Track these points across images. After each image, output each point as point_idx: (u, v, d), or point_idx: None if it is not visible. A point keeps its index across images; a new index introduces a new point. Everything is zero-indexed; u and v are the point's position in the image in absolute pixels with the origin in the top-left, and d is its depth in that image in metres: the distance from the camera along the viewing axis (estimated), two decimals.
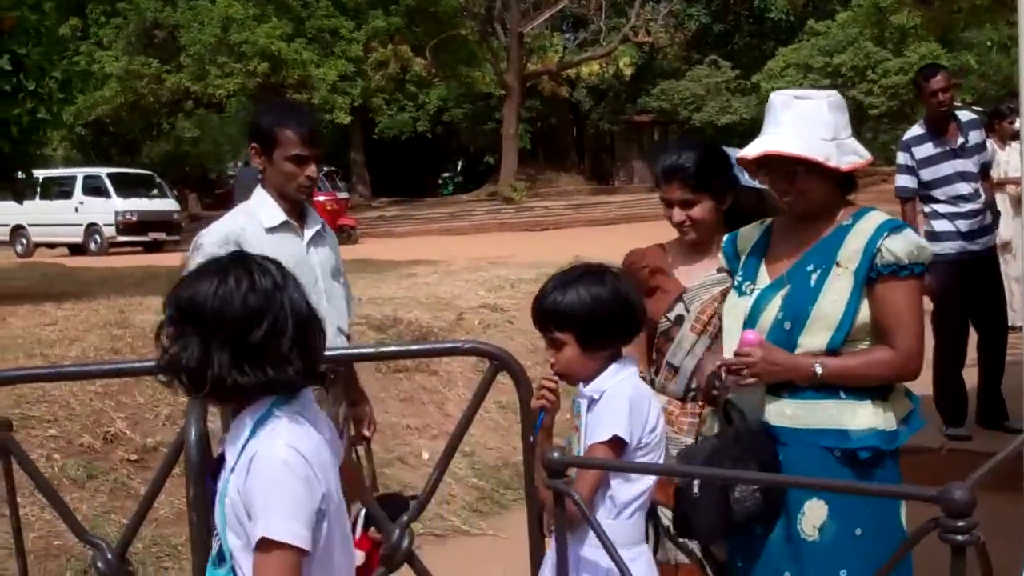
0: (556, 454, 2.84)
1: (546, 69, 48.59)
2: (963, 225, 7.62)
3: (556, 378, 3.28)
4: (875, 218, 3.33)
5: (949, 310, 7.71)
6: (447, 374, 9.44)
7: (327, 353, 4.30)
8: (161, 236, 33.41)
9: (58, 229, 33.35)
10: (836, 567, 3.25)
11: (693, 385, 3.86)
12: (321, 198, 28.84)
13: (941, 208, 7.66)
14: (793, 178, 3.32)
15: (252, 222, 4.51)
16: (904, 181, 7.75)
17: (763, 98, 3.79)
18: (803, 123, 3.30)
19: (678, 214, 3.99)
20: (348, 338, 4.82)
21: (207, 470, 2.98)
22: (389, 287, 13.65)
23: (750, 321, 3.39)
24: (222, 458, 2.59)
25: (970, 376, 7.91)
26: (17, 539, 3.71)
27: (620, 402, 3.20)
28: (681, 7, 51.92)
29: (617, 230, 32.88)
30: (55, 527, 5.57)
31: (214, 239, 4.42)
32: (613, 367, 3.29)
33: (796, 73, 47.43)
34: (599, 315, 3.23)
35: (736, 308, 3.48)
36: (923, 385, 7.82)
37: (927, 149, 7.67)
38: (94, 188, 33.64)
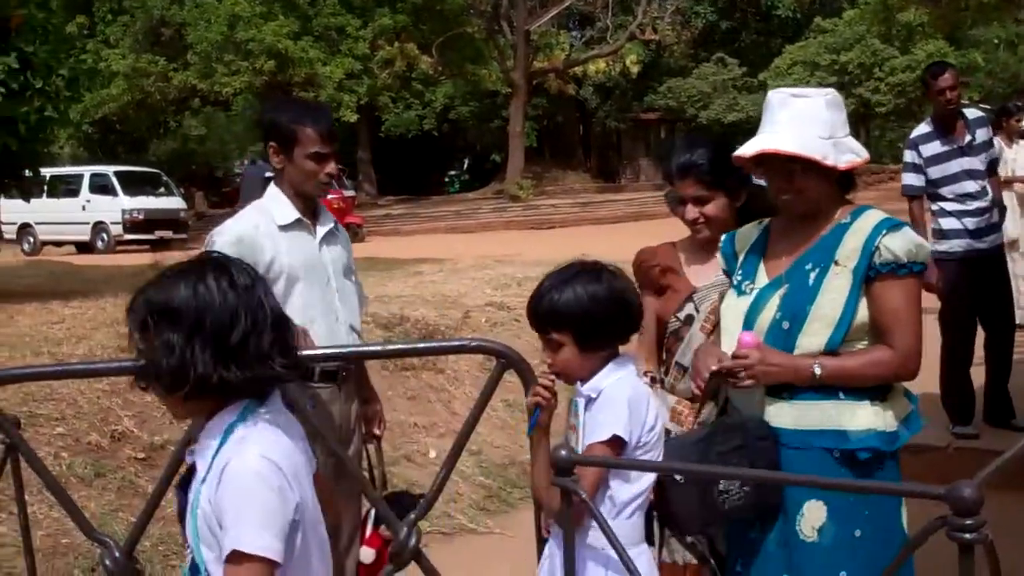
0: (564, 452, 2.83)
1: (552, 67, 48.57)
2: (970, 223, 7.61)
3: (552, 376, 3.26)
4: (873, 216, 3.31)
5: (956, 308, 7.69)
6: (454, 372, 9.44)
7: (335, 350, 4.35)
8: (168, 234, 33.42)
9: (65, 227, 33.39)
10: (835, 569, 3.23)
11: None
12: (328, 196, 28.84)
13: (948, 206, 7.64)
14: (791, 177, 3.30)
15: (265, 220, 4.51)
16: (911, 179, 7.74)
17: None
18: (800, 121, 3.28)
19: (692, 211, 3.98)
20: (359, 335, 4.83)
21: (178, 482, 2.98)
22: (395, 285, 13.67)
23: (748, 321, 3.37)
24: (193, 468, 2.55)
25: (977, 374, 7.90)
26: (25, 537, 3.71)
27: (619, 402, 3.17)
28: (688, 4, 51.90)
29: (624, 228, 32.89)
30: (63, 525, 5.58)
31: (227, 238, 4.42)
32: (610, 366, 3.27)
33: (803, 71, 47.43)
34: (596, 314, 3.20)
35: (734, 308, 3.45)
36: (930, 384, 7.84)
37: (935, 147, 7.65)
38: (101, 186, 33.68)
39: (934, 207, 7.74)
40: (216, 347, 2.39)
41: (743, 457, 3.20)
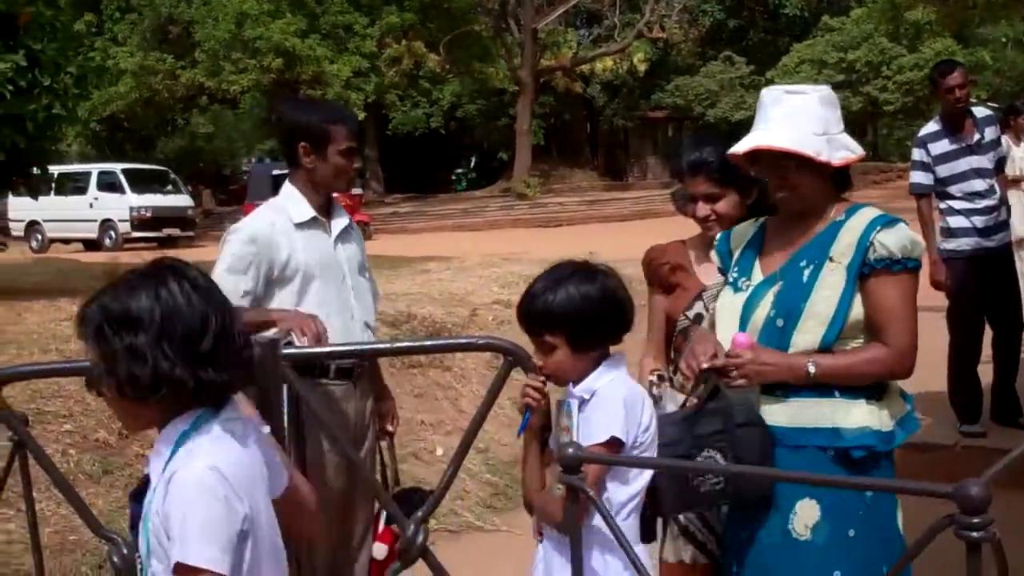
0: (571, 450, 2.83)
1: (560, 65, 48.54)
2: (979, 221, 7.60)
3: (543, 378, 3.23)
4: (868, 213, 3.30)
5: (964, 306, 7.69)
6: (461, 370, 9.45)
7: (341, 348, 4.35)
8: (175, 232, 33.53)
9: (73, 225, 33.46)
10: (829, 568, 3.20)
11: None
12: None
13: (957, 204, 7.64)
14: (785, 173, 3.29)
15: (281, 218, 4.52)
16: (919, 177, 7.74)
17: None
18: (794, 118, 3.27)
19: (703, 208, 3.97)
20: (373, 333, 4.84)
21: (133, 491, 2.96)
22: (403, 283, 13.68)
23: (743, 318, 3.35)
24: (148, 479, 2.51)
25: (985, 373, 7.89)
26: (33, 534, 3.72)
27: (615, 403, 3.14)
28: (695, 3, 51.87)
29: (631, 226, 32.89)
30: (71, 522, 5.59)
31: (242, 236, 4.44)
32: (603, 367, 3.23)
33: (810, 69, 47.42)
34: (590, 315, 3.16)
35: (729, 305, 3.44)
36: (938, 382, 7.84)
37: (943, 145, 7.65)
38: (109, 184, 33.77)
39: (942, 205, 7.73)
40: (187, 352, 2.36)
41: (723, 442, 3.18)
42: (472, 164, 58.52)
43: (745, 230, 3.60)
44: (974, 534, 2.10)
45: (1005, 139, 8.74)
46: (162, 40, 42.53)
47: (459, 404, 8.97)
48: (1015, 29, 43.60)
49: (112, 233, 33.17)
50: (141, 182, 34.25)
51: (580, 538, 2.96)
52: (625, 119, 54.48)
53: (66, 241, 34.09)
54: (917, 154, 7.78)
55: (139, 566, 2.51)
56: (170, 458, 2.38)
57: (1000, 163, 7.96)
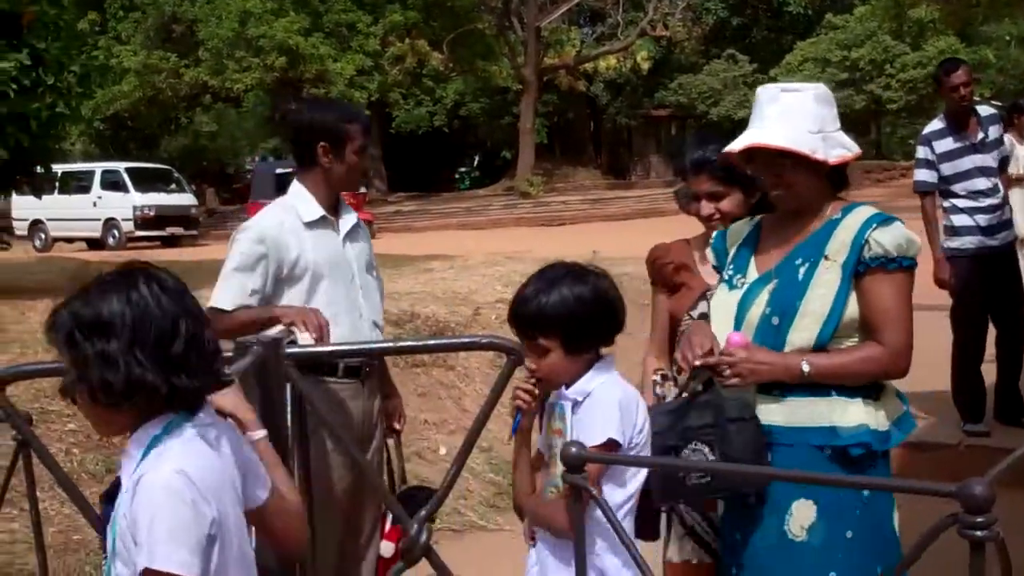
0: (575, 448, 2.82)
1: (563, 63, 48.54)
2: (982, 220, 7.60)
3: (534, 380, 3.21)
4: (864, 212, 3.28)
5: (968, 305, 7.69)
6: (464, 369, 9.44)
7: (345, 347, 4.36)
8: (179, 231, 33.55)
9: (76, 224, 33.47)
10: (825, 569, 3.18)
11: None
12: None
13: (961, 203, 7.64)
14: (780, 172, 3.27)
15: (290, 217, 4.53)
16: (924, 175, 7.73)
17: None
18: (789, 116, 3.25)
19: (707, 207, 3.95)
20: (381, 331, 4.86)
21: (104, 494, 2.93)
22: (406, 282, 13.67)
23: (738, 315, 3.34)
24: (119, 481, 2.50)
25: (988, 372, 7.89)
26: (37, 533, 3.72)
27: (610, 404, 3.13)
28: (699, 1, 51.82)
29: (634, 225, 32.88)
30: (74, 521, 5.60)
31: (251, 235, 4.45)
32: (595, 369, 3.21)
33: (814, 67, 47.42)
34: (584, 317, 3.14)
35: (725, 303, 3.42)
36: (941, 381, 7.84)
37: (947, 143, 7.65)
38: (112, 183, 33.79)
39: (946, 204, 7.73)
40: (159, 356, 2.34)
41: (712, 436, 3.16)
42: (475, 163, 58.58)
43: (741, 228, 3.59)
44: (977, 533, 2.10)
45: (1008, 137, 8.73)
46: (166, 39, 42.57)
47: (462, 403, 8.97)
48: (1019, 27, 43.58)
49: (116, 232, 33.18)
50: (145, 181, 34.26)
51: (584, 537, 2.96)
52: (628, 117, 54.46)
53: (69, 240, 34.10)
54: (921, 152, 7.78)
55: (104, 567, 2.48)
56: (140, 462, 2.36)
57: (1003, 162, 7.96)
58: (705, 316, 3.86)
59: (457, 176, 56.71)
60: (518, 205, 43.17)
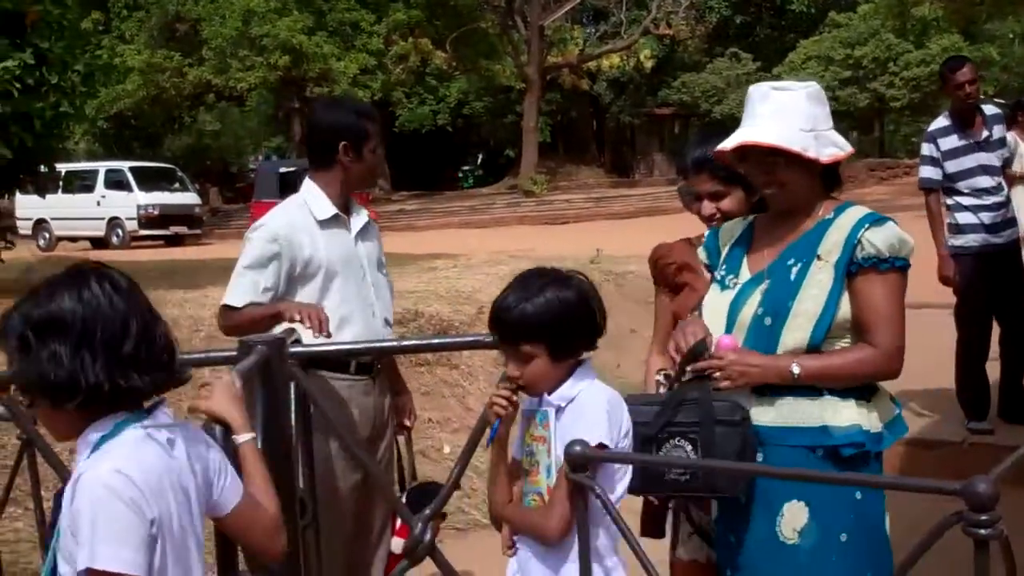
0: (579, 447, 2.82)
1: (566, 62, 48.57)
2: (986, 218, 7.60)
3: (513, 388, 3.14)
4: (856, 211, 3.26)
5: (972, 303, 7.68)
6: (468, 367, 9.45)
7: (348, 346, 4.36)
8: (182, 230, 33.53)
9: (80, 223, 33.47)
10: (817, 572, 3.16)
11: None
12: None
13: (965, 200, 7.63)
14: (773, 170, 3.25)
15: (302, 215, 4.55)
16: (928, 172, 7.73)
17: None
18: (781, 114, 3.23)
19: (708, 207, 3.91)
20: (392, 329, 4.88)
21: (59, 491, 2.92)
22: (409, 281, 13.66)
23: (730, 316, 3.31)
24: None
25: (992, 369, 7.88)
26: (41, 532, 3.74)
27: (598, 409, 3.08)
28: None
29: (637, 223, 32.88)
30: None
31: (264, 234, 4.46)
32: (576, 374, 3.16)
33: (817, 65, 47.42)
34: (570, 322, 3.10)
35: (716, 303, 3.40)
36: (945, 379, 7.84)
37: (952, 141, 7.65)
38: (116, 182, 33.79)
39: (950, 201, 7.72)
40: (109, 355, 2.32)
41: (695, 435, 3.13)
42: (479, 161, 58.53)
43: (734, 227, 3.56)
44: (982, 531, 2.10)
45: (1012, 135, 8.72)
46: (169, 38, 42.59)
47: (466, 402, 8.97)
48: (1022, 24, 43.48)
49: (119, 231, 33.20)
50: (148, 180, 34.25)
51: (587, 536, 2.95)
52: (632, 116, 54.48)
53: (73, 239, 34.09)
54: (926, 149, 7.77)
55: (43, 566, 2.47)
56: (84, 462, 2.35)
57: (1007, 162, 7.96)
58: None
59: (460, 175, 56.68)
60: (521, 204, 43.19)
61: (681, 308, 3.89)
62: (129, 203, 32.93)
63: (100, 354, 2.32)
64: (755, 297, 3.28)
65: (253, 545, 2.69)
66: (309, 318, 4.06)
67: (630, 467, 3.16)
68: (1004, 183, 7.79)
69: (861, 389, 3.21)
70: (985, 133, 7.63)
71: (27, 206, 30.70)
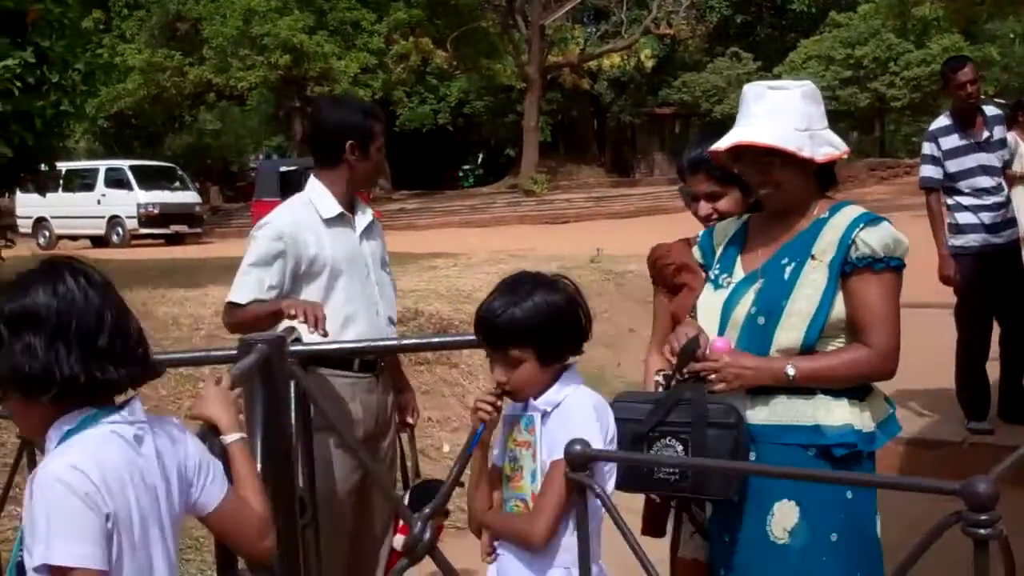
0: (579, 446, 2.81)
1: (567, 61, 48.57)
2: (987, 217, 7.60)
3: (499, 393, 3.13)
4: (851, 211, 3.24)
5: (972, 303, 7.69)
6: (468, 366, 9.45)
7: (349, 344, 4.36)
8: (183, 228, 33.59)
9: (80, 221, 33.53)
10: (807, 573, 3.15)
11: None
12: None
13: (965, 200, 7.64)
14: (768, 170, 3.24)
15: (308, 213, 4.56)
16: (929, 171, 7.73)
17: None
18: (776, 114, 3.22)
19: (704, 207, 3.88)
20: (395, 327, 4.90)
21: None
22: (410, 279, 13.67)
23: (724, 315, 3.31)
24: None
25: (992, 369, 7.89)
26: None
27: (586, 413, 3.06)
28: None
29: (638, 223, 32.88)
30: None
31: (269, 232, 4.47)
32: (563, 378, 3.14)
33: (818, 65, 47.43)
34: (559, 326, 3.07)
35: (709, 303, 3.39)
36: (945, 379, 7.84)
37: (953, 140, 7.65)
38: (116, 180, 33.83)
39: (950, 201, 7.72)
40: (83, 348, 2.32)
41: (687, 435, 3.11)
42: (479, 160, 58.51)
43: (727, 226, 3.56)
44: (981, 531, 2.10)
45: (1012, 135, 8.73)
46: (170, 37, 42.60)
47: (466, 401, 8.97)
48: (1023, 25, 43.47)
49: (120, 230, 33.24)
50: (149, 179, 34.31)
51: (587, 536, 2.95)
52: (632, 115, 54.47)
53: (73, 238, 34.12)
54: (927, 148, 7.77)
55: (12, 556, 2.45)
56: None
57: (1007, 163, 7.97)
58: None
59: (461, 174, 56.66)
60: (522, 203, 43.20)
61: (680, 308, 3.86)
62: (129, 202, 32.99)
63: (75, 347, 2.32)
64: (749, 296, 3.27)
65: (239, 545, 2.69)
66: (305, 315, 4.07)
67: (615, 468, 3.15)
68: (1004, 183, 7.79)
69: (855, 388, 3.21)
70: (986, 134, 7.64)
71: (27, 204, 30.71)
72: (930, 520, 2.17)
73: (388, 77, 41.93)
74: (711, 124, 47.41)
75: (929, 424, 7.90)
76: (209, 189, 49.23)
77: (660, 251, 4.13)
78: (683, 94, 51.71)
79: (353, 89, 38.70)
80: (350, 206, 4.68)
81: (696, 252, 3.65)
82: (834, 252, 3.17)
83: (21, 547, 2.33)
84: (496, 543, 3.23)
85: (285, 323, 4.09)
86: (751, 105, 3.29)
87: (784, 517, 3.16)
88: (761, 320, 3.21)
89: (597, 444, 2.98)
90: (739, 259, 3.41)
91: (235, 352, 3.40)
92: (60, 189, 28.24)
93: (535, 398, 3.12)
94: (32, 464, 3.64)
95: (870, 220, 3.18)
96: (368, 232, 4.74)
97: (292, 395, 3.48)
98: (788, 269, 3.22)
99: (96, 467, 2.26)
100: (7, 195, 18.22)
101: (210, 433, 2.72)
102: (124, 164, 35.23)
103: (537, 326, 3.03)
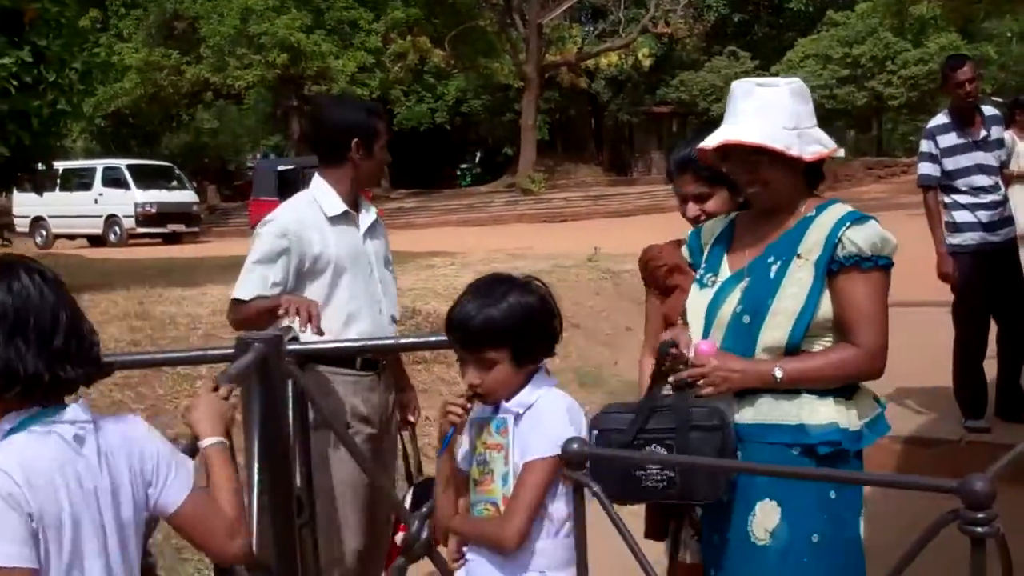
0: (576, 445, 2.81)
1: (565, 60, 48.56)
2: (984, 216, 7.60)
3: (470, 395, 3.10)
4: (838, 210, 3.22)
5: (970, 301, 7.68)
6: None
7: (348, 344, 4.36)
8: (180, 227, 33.57)
9: (78, 220, 33.48)
10: (787, 574, 3.12)
11: None
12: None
13: (962, 199, 7.64)
14: (756, 169, 3.21)
15: (312, 211, 4.58)
16: (927, 169, 7.72)
17: None
18: (764, 112, 3.19)
19: (692, 208, 3.86)
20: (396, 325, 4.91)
21: None
22: (407, 278, 13.66)
23: (709, 314, 3.28)
24: None
25: (990, 368, 7.89)
26: None
27: (560, 415, 3.05)
28: None
29: (636, 221, 32.87)
30: None
31: (273, 229, 4.48)
32: (535, 380, 3.12)
33: (815, 64, 47.46)
34: (533, 327, 3.06)
35: (696, 302, 3.36)
36: (943, 377, 7.84)
37: (951, 138, 7.65)
38: (114, 179, 33.80)
39: (947, 200, 7.72)
40: (41, 346, 2.33)
41: (671, 441, 3.09)
42: (477, 159, 58.55)
43: (715, 225, 3.54)
44: (978, 529, 2.10)
45: (1010, 134, 8.73)
46: (167, 36, 42.59)
47: None
48: (1020, 23, 43.51)
49: (117, 229, 33.21)
50: (146, 178, 34.28)
51: (584, 534, 2.94)
52: (630, 114, 54.49)
53: (71, 237, 34.10)
54: (925, 146, 7.77)
55: None
56: None
57: (1004, 162, 7.98)
58: None
59: (458, 173, 56.70)
60: (519, 202, 43.20)
61: (672, 310, 3.80)
62: (127, 201, 32.97)
63: (33, 344, 2.32)
64: (735, 295, 3.25)
65: (206, 546, 2.66)
66: (298, 312, 4.07)
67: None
68: (1001, 182, 7.79)
69: (841, 387, 3.18)
70: (983, 133, 7.64)
71: (24, 204, 30.71)
72: (927, 518, 2.17)
73: (385, 76, 41.95)
74: (709, 123, 47.43)
75: (926, 422, 7.91)
76: (206, 188, 49.20)
77: (651, 253, 4.10)
78: (681, 93, 51.71)
79: (350, 88, 38.73)
80: (354, 204, 4.70)
81: (685, 252, 3.63)
82: (820, 251, 3.14)
83: None
84: (465, 548, 3.19)
85: (285, 321, 4.09)
86: (739, 102, 3.27)
87: (766, 518, 3.14)
88: (746, 319, 3.19)
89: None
90: (725, 258, 3.39)
91: (232, 351, 3.40)
92: (57, 188, 28.14)
93: (507, 400, 3.09)
94: None
95: (856, 219, 3.16)
96: (372, 230, 4.76)
97: (289, 394, 3.48)
98: (774, 268, 3.20)
99: (20, 468, 2.26)
100: (4, 194, 18.23)
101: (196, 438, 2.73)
102: (121, 163, 35.19)
103: (513, 327, 3.01)
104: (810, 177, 3.31)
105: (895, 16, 42.02)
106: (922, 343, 8.35)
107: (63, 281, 2.45)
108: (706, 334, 3.27)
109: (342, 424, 4.29)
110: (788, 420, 3.14)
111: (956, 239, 7.64)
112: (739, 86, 3.32)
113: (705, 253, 3.49)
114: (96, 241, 33.20)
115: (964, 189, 7.62)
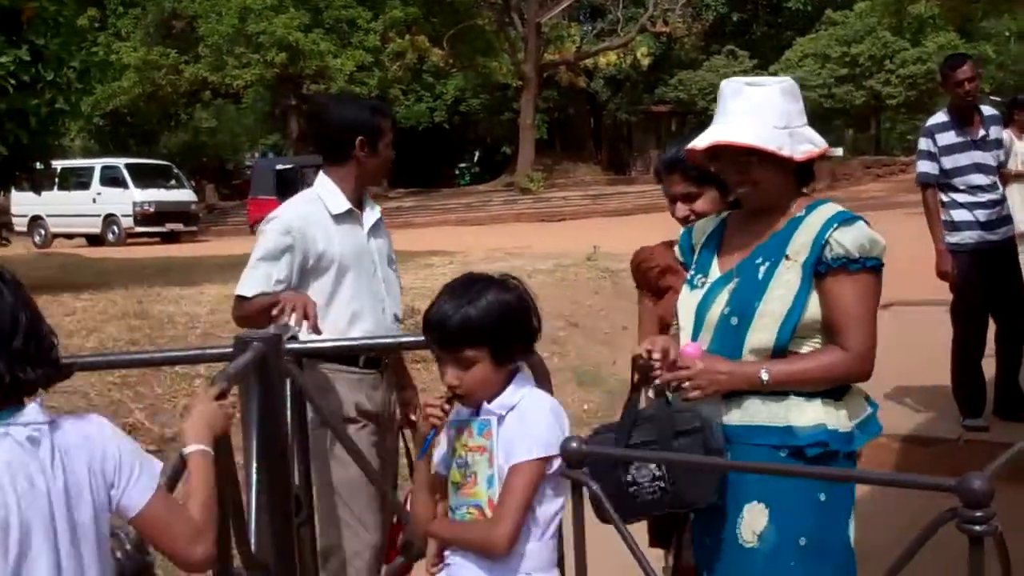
0: (575, 443, 2.81)
1: (563, 59, 48.55)
2: (982, 215, 7.60)
3: (450, 396, 3.06)
4: (827, 210, 3.19)
5: (968, 300, 7.68)
6: None
7: (348, 342, 4.37)
8: (179, 227, 33.60)
9: (76, 220, 33.50)
10: None
11: None
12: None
13: (960, 197, 7.64)
14: (746, 169, 3.19)
15: (316, 209, 4.58)
16: (925, 167, 7.73)
17: None
18: (754, 111, 3.17)
19: (681, 209, 3.86)
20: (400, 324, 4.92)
21: None
22: (406, 278, 13.59)
23: (698, 315, 3.26)
24: None
25: (988, 367, 7.89)
26: None
27: (543, 415, 3.02)
28: None
29: (634, 220, 32.84)
30: None
31: (277, 226, 4.49)
32: (516, 381, 3.09)
33: (814, 63, 47.50)
34: (512, 325, 3.02)
35: (685, 303, 3.34)
36: (941, 376, 7.85)
37: (950, 137, 7.65)
38: (112, 179, 33.83)
39: (945, 198, 7.72)
40: (1, 347, 2.30)
41: (656, 451, 3.07)
42: (475, 158, 58.57)
43: (706, 225, 3.51)
44: (976, 528, 2.11)
45: (1008, 133, 8.73)
46: (165, 35, 42.59)
47: None
48: (1018, 23, 43.53)
49: (115, 228, 33.23)
50: (144, 177, 34.31)
51: (583, 533, 2.94)
52: (628, 113, 54.54)
53: (69, 236, 34.11)
54: (924, 144, 7.77)
55: None
56: None
57: (1002, 162, 7.98)
58: None
59: (457, 172, 56.71)
60: (518, 201, 43.20)
61: (667, 311, 3.77)
62: (125, 200, 33.01)
63: None
64: (723, 296, 3.23)
65: (166, 551, 2.62)
66: (293, 308, 4.07)
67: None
68: (999, 182, 7.80)
69: (830, 388, 3.16)
70: (982, 132, 7.64)
71: (23, 203, 30.70)
72: (925, 517, 2.17)
73: (384, 75, 41.93)
74: (707, 122, 47.44)
75: (925, 421, 7.91)
76: (205, 187, 49.16)
77: (643, 255, 4.10)
78: (679, 92, 51.72)
79: (349, 87, 38.70)
80: (359, 203, 4.70)
81: (677, 252, 3.60)
82: (808, 252, 3.12)
83: None
84: (446, 552, 3.15)
85: (283, 319, 4.09)
86: (728, 102, 3.25)
87: (753, 520, 3.12)
88: (734, 320, 3.17)
89: (555, 449, 2.96)
90: (715, 259, 3.37)
91: (231, 350, 3.40)
92: (56, 187, 28.18)
93: (488, 402, 3.06)
94: None
95: (844, 220, 3.14)
96: (376, 229, 4.76)
97: (288, 393, 3.48)
98: (762, 269, 3.18)
99: None
100: (2, 193, 18.25)
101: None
102: (120, 162, 35.22)
103: (491, 325, 2.98)
104: (800, 176, 3.29)
105: (893, 15, 42.06)
106: (920, 341, 8.35)
107: (22, 282, 2.43)
108: (696, 335, 3.25)
109: (341, 423, 4.29)
110: (776, 422, 3.12)
111: (954, 238, 7.64)
112: (728, 85, 3.30)
113: (696, 253, 3.47)
114: (94, 240, 33.22)
115: (962, 188, 7.62)
